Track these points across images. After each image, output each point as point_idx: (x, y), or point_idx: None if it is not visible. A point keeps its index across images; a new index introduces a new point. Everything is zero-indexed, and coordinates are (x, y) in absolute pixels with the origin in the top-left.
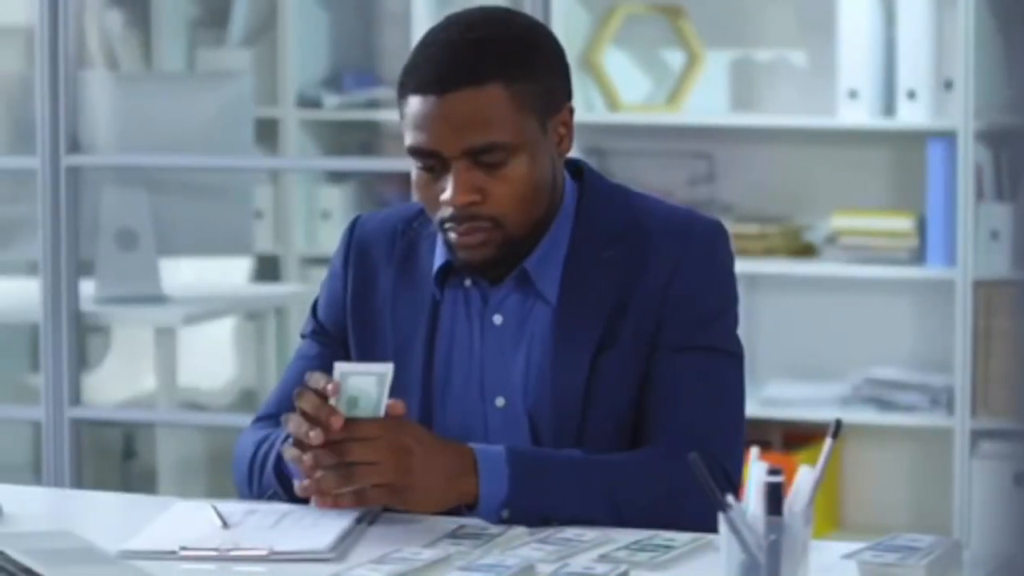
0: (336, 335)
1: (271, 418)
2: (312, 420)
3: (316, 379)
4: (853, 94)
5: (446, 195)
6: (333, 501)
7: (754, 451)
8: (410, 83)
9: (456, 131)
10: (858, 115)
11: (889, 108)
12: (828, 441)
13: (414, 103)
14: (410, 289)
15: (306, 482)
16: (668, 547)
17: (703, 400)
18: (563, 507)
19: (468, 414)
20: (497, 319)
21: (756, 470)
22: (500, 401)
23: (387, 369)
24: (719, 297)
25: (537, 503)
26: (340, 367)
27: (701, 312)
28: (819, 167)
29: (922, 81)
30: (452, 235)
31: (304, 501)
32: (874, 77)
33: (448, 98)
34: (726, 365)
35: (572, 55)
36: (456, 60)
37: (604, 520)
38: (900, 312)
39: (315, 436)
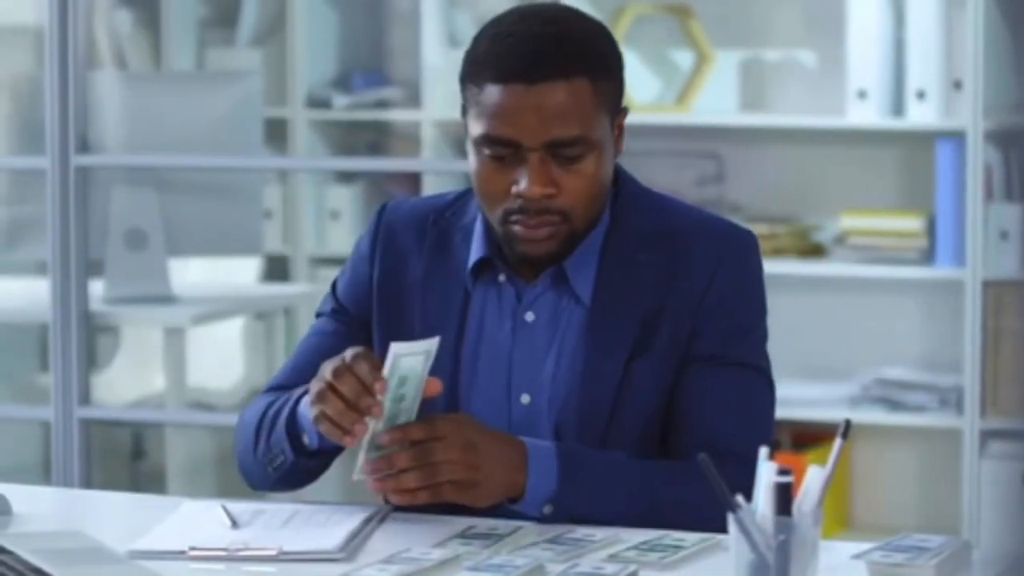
0: (356, 315)
1: (281, 389)
2: (353, 406)
3: (362, 368)
4: (862, 94)
5: (521, 187)
6: (411, 498)
7: (763, 451)
8: (490, 72)
9: (542, 122)
10: (867, 115)
11: (898, 108)
12: (838, 441)
13: (493, 92)
14: (441, 280)
15: (378, 483)
16: (677, 547)
17: (735, 416)
18: (606, 507)
19: (491, 409)
20: (529, 316)
21: (765, 470)
22: (525, 398)
23: (434, 345)
24: (753, 310)
25: (581, 501)
26: (396, 348)
27: (736, 324)
28: (828, 167)
29: (931, 81)
30: (518, 227)
31: (313, 460)
32: (883, 77)
33: (537, 89)
34: (758, 381)
35: None
36: (546, 52)
37: (645, 523)
38: (909, 312)
39: (368, 405)
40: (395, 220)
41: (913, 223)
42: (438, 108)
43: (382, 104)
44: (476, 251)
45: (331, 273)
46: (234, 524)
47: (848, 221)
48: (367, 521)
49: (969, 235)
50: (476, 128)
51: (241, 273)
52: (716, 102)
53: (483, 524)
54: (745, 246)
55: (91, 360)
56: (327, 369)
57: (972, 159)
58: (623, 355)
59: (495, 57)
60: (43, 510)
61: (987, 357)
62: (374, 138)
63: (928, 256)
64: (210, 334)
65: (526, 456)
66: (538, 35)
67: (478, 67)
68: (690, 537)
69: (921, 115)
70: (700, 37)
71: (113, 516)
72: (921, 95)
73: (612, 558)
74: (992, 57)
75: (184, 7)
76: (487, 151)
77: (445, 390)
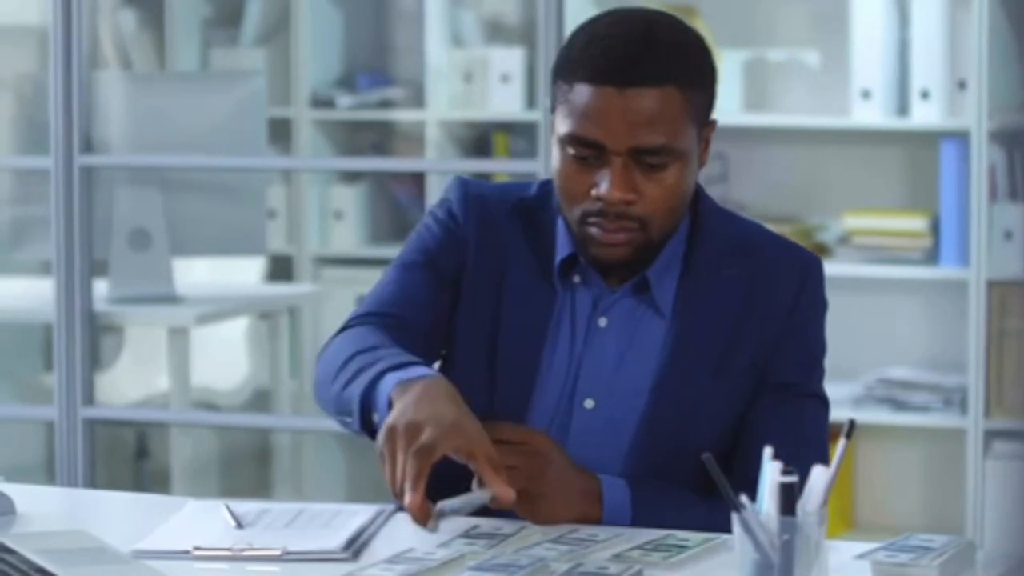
0: (448, 274)
1: (372, 316)
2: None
3: (413, 502)
4: (866, 94)
5: (602, 190)
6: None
7: (767, 451)
8: (583, 71)
9: (630, 127)
10: (871, 115)
11: (902, 108)
12: (842, 441)
13: (584, 92)
14: (535, 275)
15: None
16: (682, 547)
17: (804, 451)
18: None
19: (553, 411)
20: (602, 321)
21: (770, 470)
22: (589, 403)
23: (484, 499)
24: (823, 339)
25: None
26: (442, 506)
27: (811, 352)
28: (832, 167)
29: (936, 81)
30: (595, 230)
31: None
32: (887, 77)
33: (628, 93)
34: (822, 413)
35: None
36: (640, 57)
37: None
38: (913, 312)
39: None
40: (483, 199)
41: (917, 223)
42: (442, 108)
43: (386, 104)
44: (562, 249)
45: (335, 273)
46: (238, 524)
47: (852, 221)
48: (371, 521)
49: (973, 235)
50: (563, 126)
51: (245, 273)
52: (720, 102)
53: (487, 524)
54: (820, 271)
55: (95, 360)
56: (397, 470)
57: (976, 159)
58: (703, 373)
59: (589, 57)
60: (47, 510)
61: (991, 357)
62: (378, 138)
63: (932, 256)
64: (214, 334)
65: (600, 490)
66: (634, 39)
67: (571, 65)
68: (694, 537)
69: (925, 115)
70: (704, 37)
71: (117, 516)
72: (925, 95)
73: (616, 558)
74: (996, 57)
75: (188, 7)
76: (571, 150)
77: (520, 386)
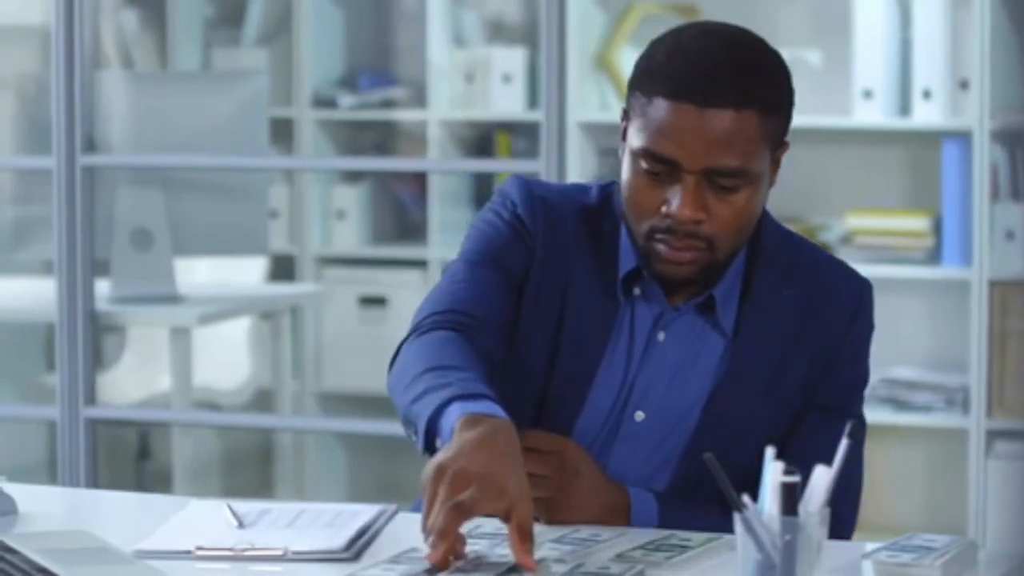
0: (515, 276)
1: (448, 316)
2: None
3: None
4: (868, 94)
5: (673, 207)
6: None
7: (770, 451)
8: (663, 86)
9: (707, 147)
10: (873, 115)
11: (904, 108)
12: (844, 441)
13: (663, 107)
14: (599, 285)
15: None
16: (684, 547)
17: (843, 476)
18: None
19: (603, 421)
20: (661, 336)
21: (772, 470)
22: (640, 415)
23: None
24: (868, 363)
25: None
26: None
27: (858, 375)
28: (834, 167)
29: (937, 81)
30: (661, 246)
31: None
32: (889, 77)
33: (708, 113)
34: (863, 438)
35: (587, 55)
36: (724, 77)
37: None
38: (915, 312)
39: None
40: (548, 202)
41: (919, 223)
42: (444, 108)
43: (388, 104)
44: (626, 262)
45: (337, 273)
46: (240, 524)
47: (854, 221)
48: (373, 521)
49: (975, 235)
50: (637, 140)
51: (247, 273)
52: None
53: (490, 524)
54: (871, 297)
55: (97, 360)
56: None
57: (978, 159)
58: (758, 390)
59: (671, 71)
60: (49, 510)
61: (993, 357)
62: (380, 138)
63: (934, 256)
64: (216, 334)
65: (628, 503)
66: (717, 58)
67: (651, 78)
68: (696, 537)
69: (927, 115)
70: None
71: (119, 516)
72: (927, 95)
73: (618, 558)
74: (998, 57)
75: (190, 7)
76: (644, 164)
77: (573, 401)
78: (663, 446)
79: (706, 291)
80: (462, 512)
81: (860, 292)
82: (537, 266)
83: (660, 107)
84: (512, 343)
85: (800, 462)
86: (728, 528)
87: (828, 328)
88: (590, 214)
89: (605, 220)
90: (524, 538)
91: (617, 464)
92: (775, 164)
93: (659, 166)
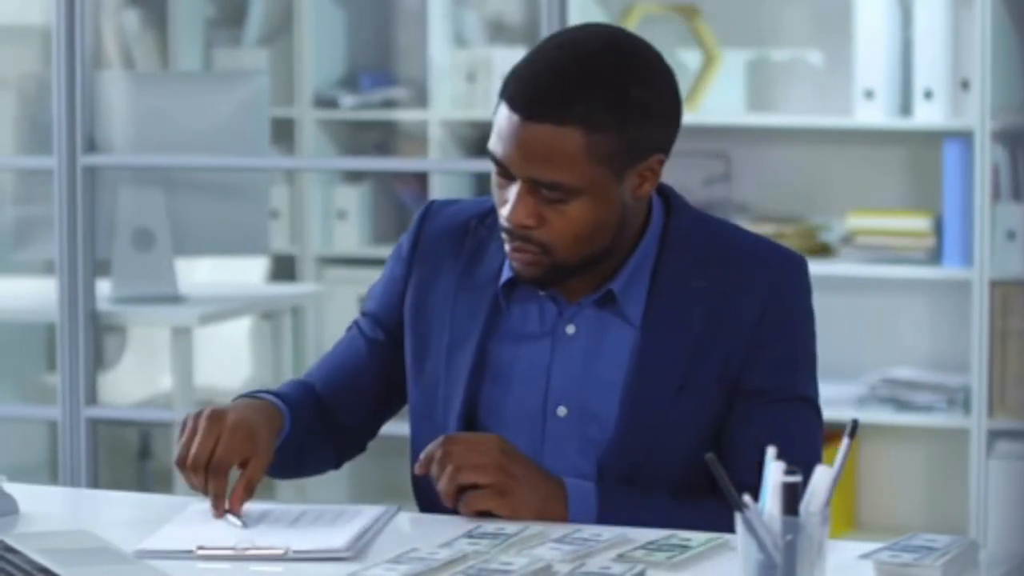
0: (384, 317)
1: (310, 387)
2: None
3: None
4: (869, 94)
5: (505, 210)
6: (450, 501)
7: (770, 451)
8: (504, 91)
9: (527, 159)
10: (874, 115)
11: (906, 108)
12: (845, 441)
13: (502, 111)
14: (473, 288)
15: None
16: (685, 547)
17: (788, 456)
18: None
19: (526, 421)
20: (570, 329)
21: (773, 470)
22: (562, 410)
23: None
24: (804, 340)
25: None
26: None
27: (787, 355)
28: (835, 167)
29: (939, 81)
30: (507, 246)
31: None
32: (890, 77)
33: (528, 126)
34: (810, 417)
35: None
36: (547, 92)
37: None
38: (916, 312)
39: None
40: (437, 224)
41: (920, 223)
42: (445, 108)
43: (389, 104)
44: (510, 266)
45: (338, 273)
46: (244, 524)
47: (855, 221)
48: (374, 521)
49: (976, 235)
50: (491, 137)
51: (248, 273)
52: (723, 102)
53: (490, 524)
54: (797, 272)
55: (98, 360)
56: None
57: (979, 159)
58: (673, 384)
59: (512, 78)
60: (50, 510)
61: (994, 357)
62: (381, 138)
63: (935, 256)
64: (217, 334)
65: (566, 492)
66: (554, 72)
67: (506, 80)
68: (697, 537)
69: (928, 115)
70: (708, 37)
71: (120, 516)
72: (928, 95)
73: (620, 558)
74: (999, 57)
75: (191, 7)
76: (494, 164)
77: (462, 400)
78: (588, 441)
79: (605, 285)
80: (212, 432)
81: (781, 272)
82: (411, 290)
83: (501, 111)
84: (417, 360)
85: (734, 451)
86: (674, 515)
87: (743, 315)
88: (482, 221)
89: (496, 222)
90: (247, 489)
91: (550, 462)
92: (648, 173)
93: (499, 167)
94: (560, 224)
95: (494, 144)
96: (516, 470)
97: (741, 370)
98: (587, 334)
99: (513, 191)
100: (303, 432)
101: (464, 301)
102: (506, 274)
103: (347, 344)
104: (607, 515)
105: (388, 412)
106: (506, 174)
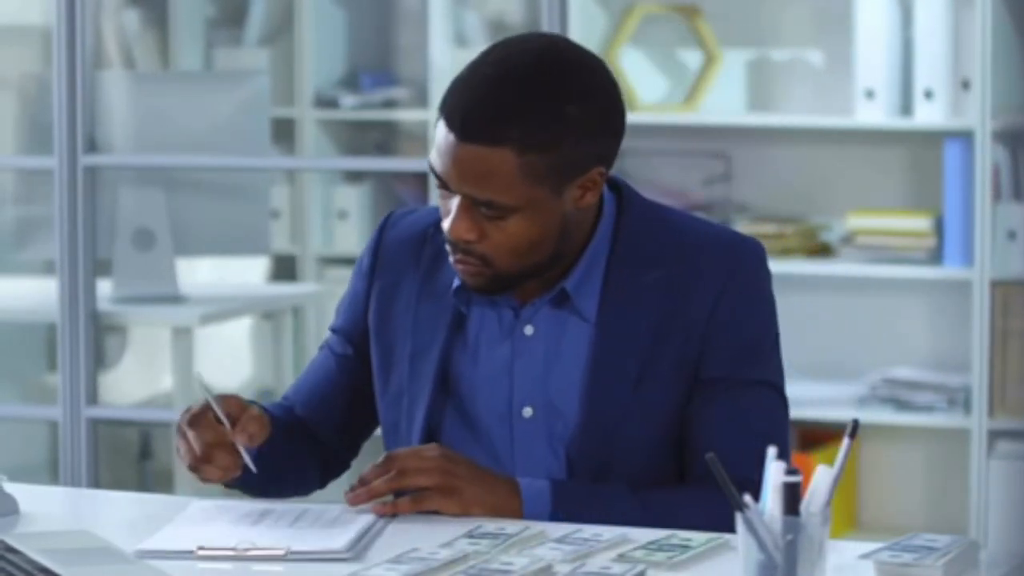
0: (351, 332)
1: (289, 408)
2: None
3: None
4: (870, 94)
5: (446, 223)
6: (392, 507)
7: (771, 451)
8: (443, 106)
9: (461, 177)
10: (875, 115)
11: (906, 108)
12: (845, 441)
13: (440, 127)
14: (433, 296)
15: (360, 491)
16: (685, 547)
17: (748, 440)
18: None
19: (494, 424)
20: (528, 330)
21: (773, 470)
22: (528, 411)
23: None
24: (763, 324)
25: None
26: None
27: (746, 341)
28: (836, 167)
29: (939, 81)
30: (451, 257)
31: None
32: (891, 77)
33: (462, 146)
34: (770, 398)
35: None
36: (480, 114)
37: None
38: (917, 312)
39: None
40: (395, 236)
41: (921, 223)
42: None
43: (390, 104)
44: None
45: (339, 273)
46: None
47: (856, 221)
48: (375, 521)
49: (977, 235)
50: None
51: (249, 273)
52: (724, 102)
53: (491, 524)
54: (751, 258)
55: (99, 360)
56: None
57: (980, 159)
58: (630, 378)
59: (448, 96)
60: (51, 510)
61: (995, 357)
62: (382, 138)
63: (936, 256)
64: (218, 334)
65: (519, 490)
66: (487, 93)
67: (445, 96)
68: (698, 537)
69: (929, 115)
70: (708, 37)
71: (121, 516)
72: (929, 95)
73: (620, 558)
74: (1000, 57)
75: (192, 7)
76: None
77: (426, 408)
78: (556, 439)
79: (558, 284)
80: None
81: (734, 259)
82: (374, 302)
83: (439, 127)
84: (380, 392)
85: (695, 441)
86: (634, 509)
87: (698, 305)
88: (438, 229)
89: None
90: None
91: (521, 462)
92: (589, 185)
93: (439, 180)
94: (499, 238)
95: (433, 158)
96: (460, 471)
97: (699, 360)
98: (545, 333)
99: (454, 204)
100: (285, 442)
101: (425, 310)
102: (458, 280)
103: (319, 363)
104: (561, 512)
105: (366, 429)
106: (444, 187)
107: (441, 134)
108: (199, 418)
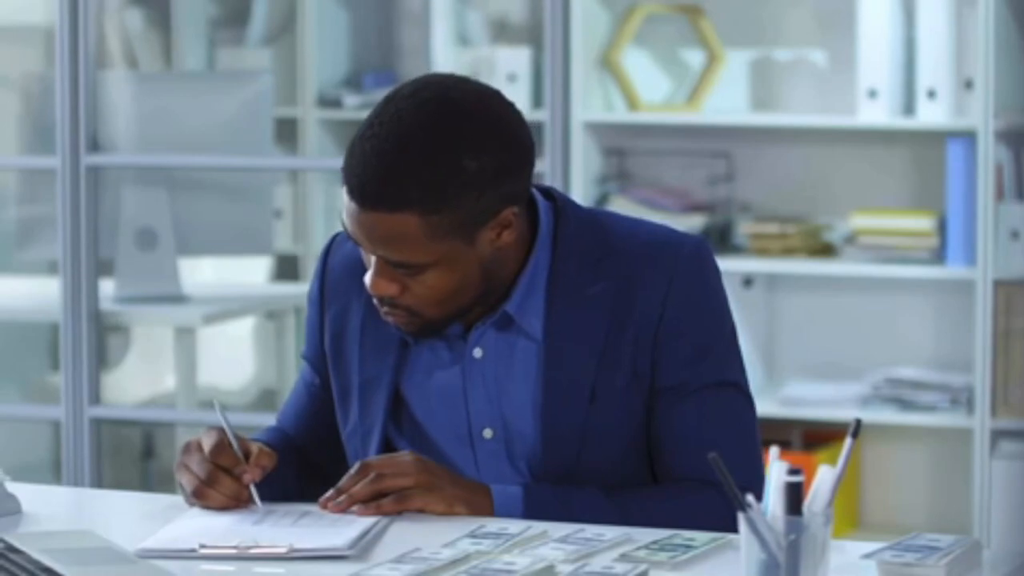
0: (315, 361)
1: (283, 431)
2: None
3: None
4: (873, 93)
5: (367, 279)
6: (376, 509)
7: (774, 451)
8: (343, 172)
9: (369, 241)
10: (878, 114)
11: (909, 107)
12: (848, 441)
13: (344, 192)
14: (378, 324)
15: (340, 498)
16: (688, 547)
17: (714, 444)
18: None
19: (457, 447)
20: (477, 352)
21: (776, 470)
22: (488, 432)
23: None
24: (714, 324)
25: None
26: None
27: (698, 344)
28: (839, 166)
29: (942, 80)
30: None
31: None
32: (894, 76)
33: (364, 213)
34: (730, 397)
35: (592, 55)
36: (376, 183)
37: None
38: (920, 312)
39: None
40: (339, 259)
41: (924, 222)
42: None
43: None
44: None
45: None
46: (254, 504)
47: (858, 220)
48: (377, 520)
49: (980, 234)
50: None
51: (251, 272)
52: (727, 101)
53: (493, 523)
54: (694, 257)
55: (101, 359)
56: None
57: (983, 158)
58: (584, 393)
59: (346, 162)
60: (53, 509)
61: (998, 356)
62: None
63: (939, 255)
64: (221, 333)
65: (491, 492)
66: (380, 160)
67: (344, 160)
68: (700, 537)
69: (932, 114)
70: (711, 36)
71: (123, 515)
72: (932, 94)
73: (623, 558)
74: (1003, 56)
75: (194, 7)
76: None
77: (379, 438)
78: (517, 459)
79: (500, 306)
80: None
81: (676, 260)
82: (328, 329)
83: (343, 191)
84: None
85: (662, 449)
86: (609, 512)
87: (644, 312)
88: None
89: None
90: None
91: (489, 482)
92: (503, 227)
93: (352, 239)
94: (420, 291)
95: (345, 220)
96: (437, 471)
97: (654, 369)
98: (495, 355)
99: (372, 261)
100: (284, 466)
101: (372, 337)
102: None
103: (298, 390)
104: (533, 513)
105: None
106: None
107: (345, 199)
108: (201, 450)
